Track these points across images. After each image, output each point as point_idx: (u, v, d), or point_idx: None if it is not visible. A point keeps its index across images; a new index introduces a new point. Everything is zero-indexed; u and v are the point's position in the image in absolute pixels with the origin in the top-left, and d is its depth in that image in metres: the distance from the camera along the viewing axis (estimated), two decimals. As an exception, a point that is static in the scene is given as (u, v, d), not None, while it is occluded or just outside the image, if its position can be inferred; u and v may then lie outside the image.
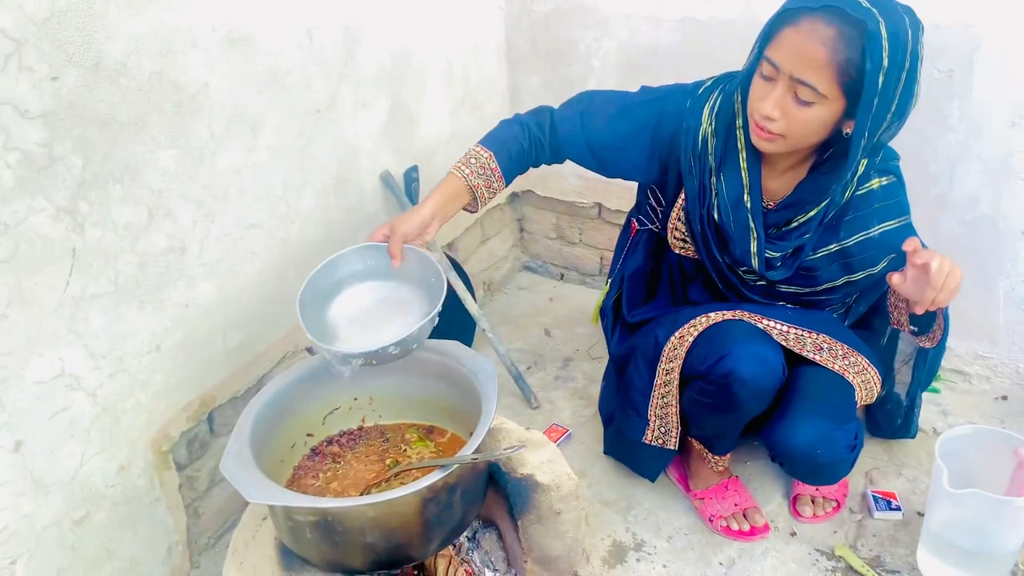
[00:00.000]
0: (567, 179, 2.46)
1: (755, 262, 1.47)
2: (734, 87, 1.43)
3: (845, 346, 1.50)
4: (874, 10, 1.19)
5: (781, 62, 1.25)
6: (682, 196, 1.55)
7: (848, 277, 1.48)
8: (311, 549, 1.19)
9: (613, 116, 1.55)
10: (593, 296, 2.49)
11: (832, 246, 1.45)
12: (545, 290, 2.67)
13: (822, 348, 1.49)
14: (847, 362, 1.50)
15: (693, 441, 1.69)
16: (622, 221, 2.43)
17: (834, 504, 1.67)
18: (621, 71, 2.21)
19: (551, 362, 2.29)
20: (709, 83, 1.50)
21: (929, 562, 1.49)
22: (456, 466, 1.14)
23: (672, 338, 1.53)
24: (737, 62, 2.03)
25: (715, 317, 1.49)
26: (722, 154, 1.45)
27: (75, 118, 1.24)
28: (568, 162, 2.42)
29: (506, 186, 1.59)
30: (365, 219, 1.94)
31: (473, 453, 1.16)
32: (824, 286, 1.50)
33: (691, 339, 1.50)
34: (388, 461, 1.37)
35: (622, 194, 2.38)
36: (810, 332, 1.49)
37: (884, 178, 1.43)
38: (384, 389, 1.46)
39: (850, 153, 1.28)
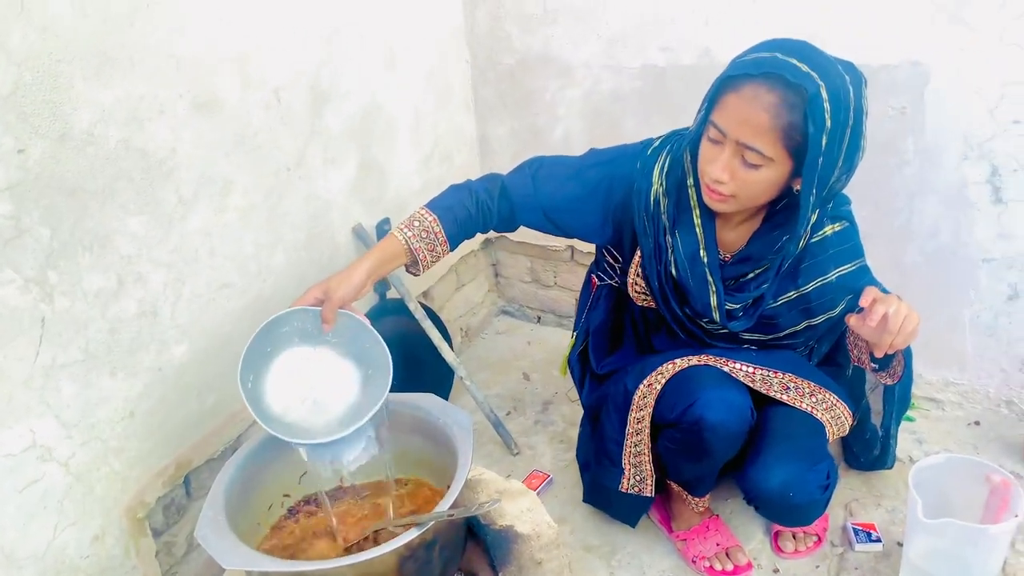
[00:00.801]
0: (539, 224, 2.49)
1: (716, 315, 1.48)
2: (683, 147, 1.44)
3: (811, 383, 1.52)
4: (813, 74, 1.20)
5: (727, 128, 1.26)
6: (639, 254, 1.55)
7: (809, 321, 1.49)
8: (290, 613, 1.18)
9: (565, 179, 1.54)
10: (569, 337, 2.50)
11: (791, 293, 1.46)
12: (523, 334, 2.68)
13: (789, 387, 1.51)
14: (815, 399, 1.52)
15: (672, 483, 1.69)
16: (593, 260, 2.48)
17: (815, 538, 1.68)
18: (586, 118, 2.26)
19: (530, 406, 2.29)
20: (657, 143, 1.51)
21: (912, 594, 1.50)
22: (432, 522, 1.14)
23: (641, 387, 1.54)
24: (688, 108, 2.09)
25: (681, 364, 1.51)
26: (675, 213, 1.45)
27: (42, 189, 1.25)
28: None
29: (451, 251, 1.54)
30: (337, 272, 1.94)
31: (449, 508, 1.15)
32: (786, 332, 1.52)
33: (659, 387, 1.51)
34: (366, 518, 1.36)
35: (593, 237, 2.41)
36: (776, 372, 1.51)
37: (837, 224, 1.45)
38: (360, 445, 1.45)
39: (800, 209, 1.30)
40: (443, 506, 1.16)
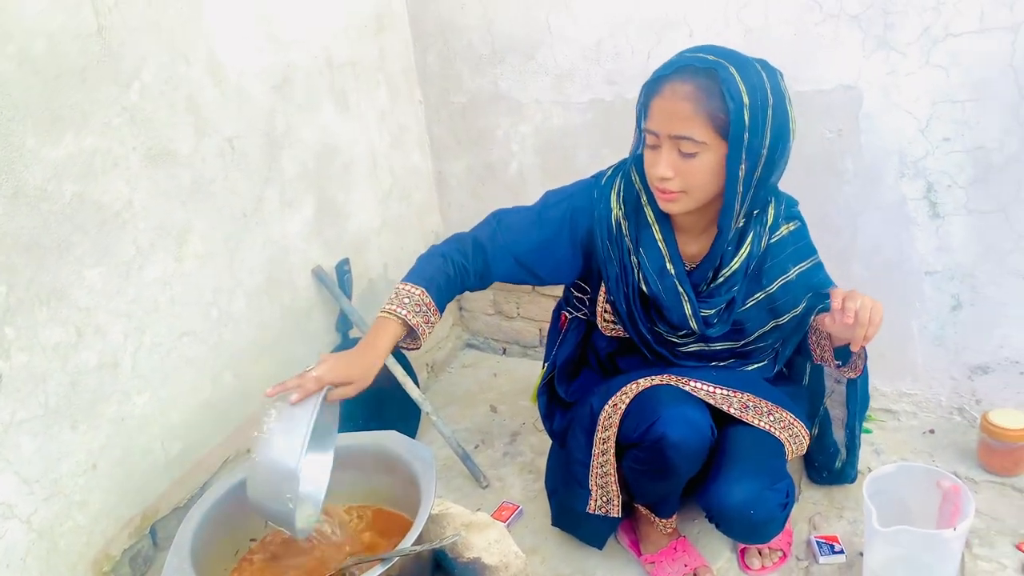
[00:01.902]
0: (499, 257, 2.53)
1: (693, 323, 1.52)
2: (633, 170, 1.54)
3: (769, 403, 1.57)
4: (721, 60, 1.32)
5: (658, 128, 1.35)
6: (603, 284, 1.61)
7: (776, 321, 1.56)
8: (258, 658, 1.18)
9: (529, 225, 1.57)
10: (536, 367, 2.52)
11: (758, 295, 1.53)
12: (489, 366, 2.70)
13: (748, 406, 1.55)
14: (773, 418, 1.56)
15: (639, 506, 1.72)
16: (556, 293, 2.50)
17: (780, 554, 1.71)
18: (539, 152, 2.31)
19: (498, 438, 2.31)
20: (609, 172, 1.59)
21: (875, 603, 1.53)
22: (397, 560, 1.15)
23: (606, 407, 1.57)
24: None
25: (644, 383, 1.54)
26: (636, 233, 1.52)
27: (-4, 247, 1.26)
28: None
29: (440, 319, 1.51)
30: (299, 315, 1.97)
31: (413, 544, 1.17)
32: (755, 335, 1.58)
33: (623, 407, 1.54)
34: (333, 557, 1.37)
35: (553, 267, 2.45)
36: (735, 391, 1.55)
37: (791, 223, 1.55)
38: (325, 485, 1.46)
39: (727, 180, 1.36)
40: (407, 542, 1.17)
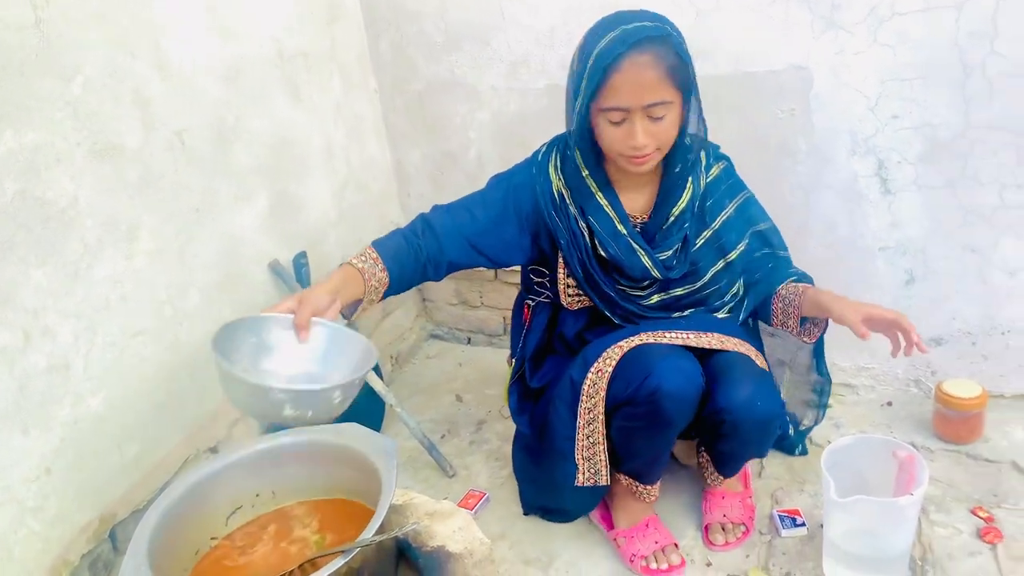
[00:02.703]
0: (460, 246, 2.52)
1: (655, 271, 1.60)
2: (570, 146, 1.58)
3: (736, 339, 1.62)
4: (659, 23, 1.43)
5: (629, 103, 1.41)
6: (560, 255, 1.64)
7: (725, 259, 1.65)
8: (221, 656, 1.16)
9: (475, 207, 1.64)
10: (501, 355, 2.52)
11: (706, 233, 1.64)
12: (454, 356, 2.70)
13: (723, 342, 1.61)
14: (743, 348, 1.61)
15: (621, 477, 1.71)
16: (517, 281, 2.50)
17: (743, 528, 1.73)
18: (497, 140, 2.30)
19: (464, 427, 2.30)
20: (544, 148, 1.68)
21: (834, 571, 1.56)
22: (358, 550, 1.14)
23: (589, 375, 1.57)
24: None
25: (626, 346, 1.56)
26: (580, 201, 1.60)
27: (-66, 249, 1.23)
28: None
29: (390, 280, 1.56)
30: (257, 310, 1.92)
31: (374, 535, 1.16)
32: (709, 275, 1.65)
33: (609, 371, 1.55)
34: (294, 551, 1.36)
35: (514, 254, 2.45)
36: (706, 333, 1.60)
37: (720, 163, 1.67)
38: (285, 480, 1.44)
39: (684, 133, 1.51)
40: (368, 532, 1.16)
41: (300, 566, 1.26)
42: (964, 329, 1.99)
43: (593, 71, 1.41)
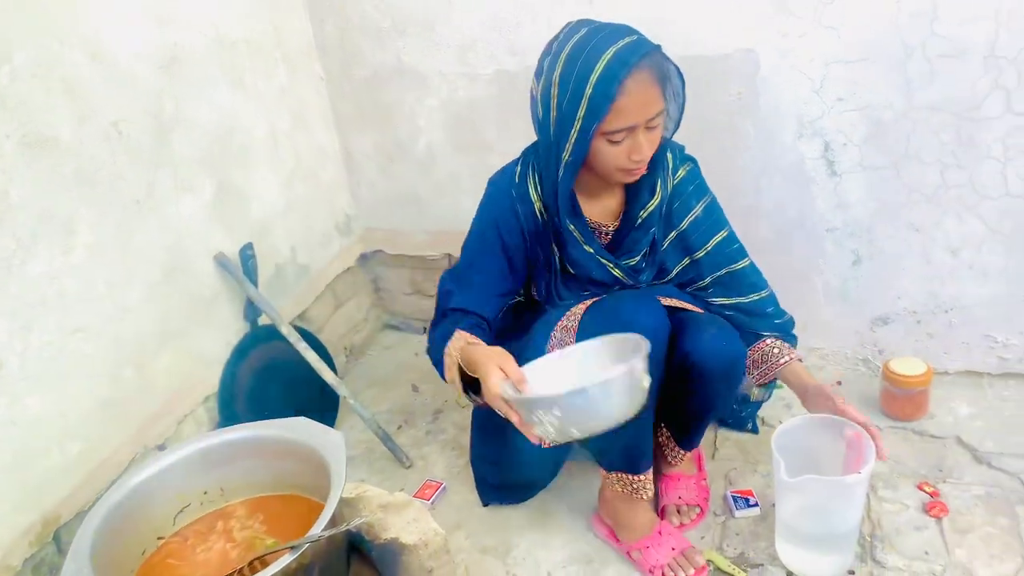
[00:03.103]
0: (414, 235, 2.49)
1: (626, 278, 1.62)
2: (547, 165, 1.52)
3: (694, 306, 1.64)
4: (644, 37, 1.41)
5: (635, 121, 1.40)
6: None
7: (690, 257, 1.66)
8: (168, 659, 1.14)
9: (481, 259, 1.64)
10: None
11: (672, 234, 1.64)
12: (410, 346, 2.67)
13: (683, 305, 1.62)
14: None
15: (613, 480, 1.65)
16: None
17: (698, 510, 1.75)
18: (448, 127, 2.27)
19: (421, 418, 2.29)
20: (519, 168, 1.61)
21: (786, 550, 1.58)
22: (307, 545, 1.12)
23: (553, 332, 1.56)
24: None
25: (588, 302, 1.56)
26: (556, 222, 1.57)
27: None
28: (411, 216, 2.48)
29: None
30: (203, 304, 1.90)
31: (324, 529, 1.14)
32: (675, 271, 1.67)
33: (575, 324, 1.54)
34: (243, 548, 1.33)
35: (467, 242, 2.43)
36: (666, 298, 1.60)
37: (686, 164, 1.64)
38: (233, 477, 1.41)
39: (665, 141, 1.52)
40: (317, 527, 1.14)
41: (249, 563, 1.24)
42: (910, 308, 2.03)
43: (598, 99, 1.37)
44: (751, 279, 1.69)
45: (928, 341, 2.05)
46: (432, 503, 1.92)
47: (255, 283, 2.00)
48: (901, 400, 1.94)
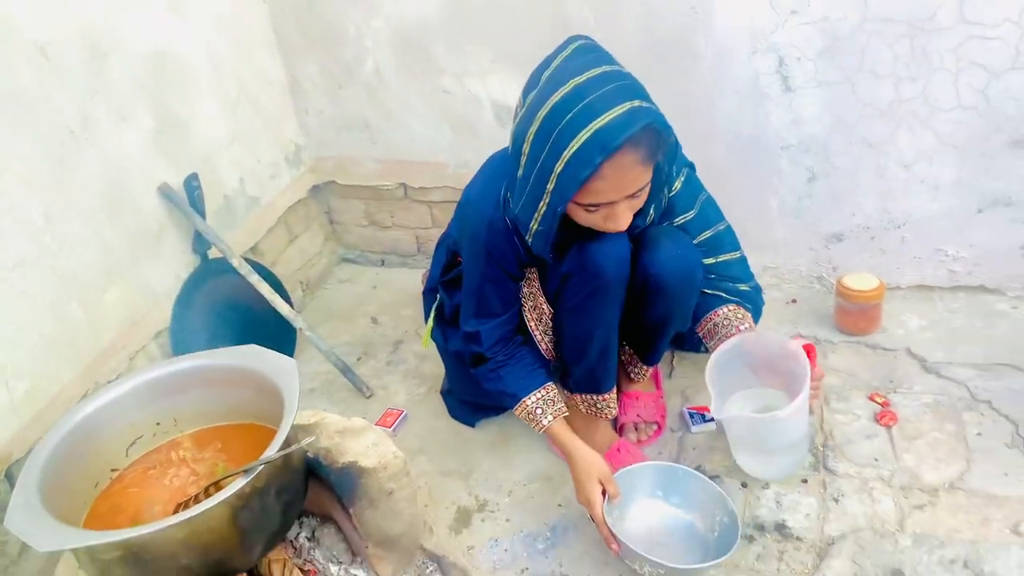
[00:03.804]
0: (365, 164, 2.44)
1: None
2: (525, 212, 1.39)
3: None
4: (637, 103, 1.24)
5: (612, 198, 1.30)
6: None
7: (669, 221, 1.58)
8: (126, 586, 1.13)
9: (495, 298, 1.57)
10: (416, 276, 2.49)
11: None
12: (367, 279, 2.64)
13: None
14: None
15: (578, 402, 1.70)
16: (428, 199, 2.46)
17: (655, 427, 1.78)
18: (396, 49, 2.20)
19: (381, 349, 2.27)
20: (503, 192, 1.46)
21: (740, 457, 1.62)
22: (261, 468, 1.12)
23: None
24: (499, 30, 2.06)
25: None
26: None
27: None
28: (362, 144, 2.41)
29: (554, 384, 1.64)
30: (148, 237, 1.84)
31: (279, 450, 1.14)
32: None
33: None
34: (198, 476, 1.32)
35: (422, 171, 2.38)
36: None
37: (682, 173, 1.57)
38: (186, 407, 1.40)
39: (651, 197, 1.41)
40: (271, 450, 1.14)
41: (205, 489, 1.23)
42: (864, 224, 2.05)
43: (566, 182, 1.26)
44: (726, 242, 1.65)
45: (881, 257, 2.08)
46: (394, 430, 1.92)
47: (202, 215, 1.94)
48: (854, 315, 1.97)
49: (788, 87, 1.91)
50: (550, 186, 1.28)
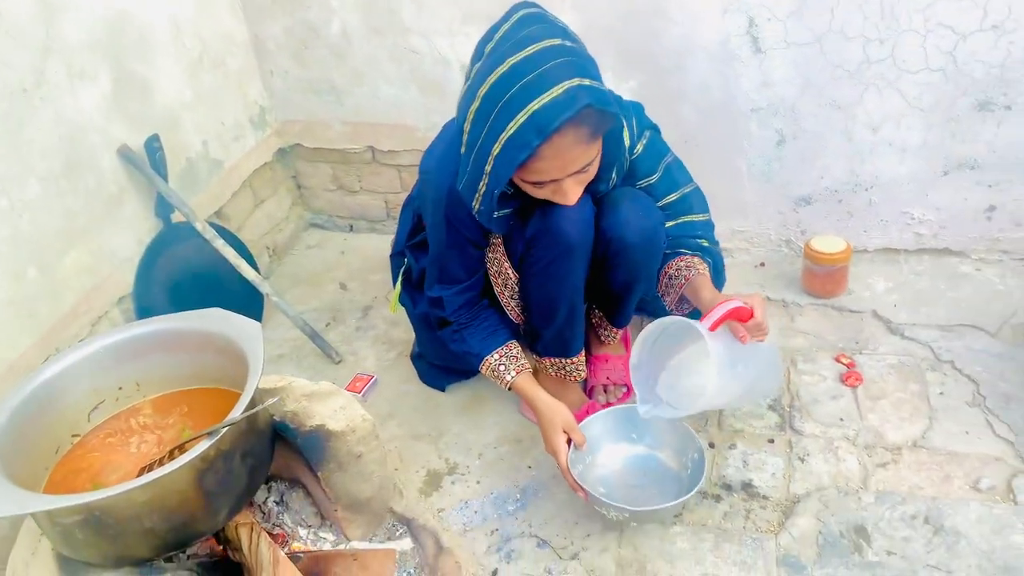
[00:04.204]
0: (332, 126, 2.39)
1: None
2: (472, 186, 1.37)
3: None
4: (585, 81, 1.21)
5: (554, 176, 1.28)
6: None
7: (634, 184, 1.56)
8: (89, 550, 1.12)
9: (459, 260, 1.56)
10: (385, 241, 2.45)
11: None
12: (335, 244, 2.61)
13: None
14: None
15: (547, 366, 1.71)
16: (397, 162, 2.42)
17: (624, 389, 1.79)
18: (361, 8, 2.15)
19: (350, 314, 2.26)
20: (448, 153, 1.43)
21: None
22: (226, 430, 1.10)
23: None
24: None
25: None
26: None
27: None
28: (329, 106, 2.37)
29: (519, 340, 1.66)
30: (109, 200, 1.80)
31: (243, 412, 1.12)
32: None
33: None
34: (163, 441, 1.31)
35: (391, 133, 2.35)
36: None
37: (645, 135, 1.54)
38: (149, 372, 1.37)
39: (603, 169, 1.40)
40: (235, 412, 1.12)
41: (169, 452, 1.21)
42: (831, 187, 2.06)
43: (503, 164, 1.24)
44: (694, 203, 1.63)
45: (849, 220, 2.09)
46: (363, 396, 1.91)
47: (165, 177, 1.90)
48: (821, 277, 1.99)
49: (758, 48, 1.90)
50: (488, 167, 1.28)
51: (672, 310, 1.63)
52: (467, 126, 1.30)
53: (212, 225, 1.99)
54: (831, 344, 1.88)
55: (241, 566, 1.29)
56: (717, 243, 1.67)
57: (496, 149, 1.24)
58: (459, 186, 1.39)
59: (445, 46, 2.13)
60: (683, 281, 1.55)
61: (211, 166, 2.15)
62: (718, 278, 1.64)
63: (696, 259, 1.58)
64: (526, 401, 1.59)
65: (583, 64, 1.24)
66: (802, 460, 1.60)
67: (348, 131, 2.39)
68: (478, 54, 1.32)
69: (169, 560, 1.23)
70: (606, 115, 1.25)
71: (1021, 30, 1.72)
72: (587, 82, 1.21)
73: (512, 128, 1.21)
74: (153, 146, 1.87)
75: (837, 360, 1.82)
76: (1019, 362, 1.74)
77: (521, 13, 1.30)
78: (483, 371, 1.62)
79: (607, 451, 1.59)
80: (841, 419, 1.68)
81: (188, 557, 1.27)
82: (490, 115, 1.23)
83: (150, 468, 1.17)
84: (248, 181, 2.31)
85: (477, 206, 1.37)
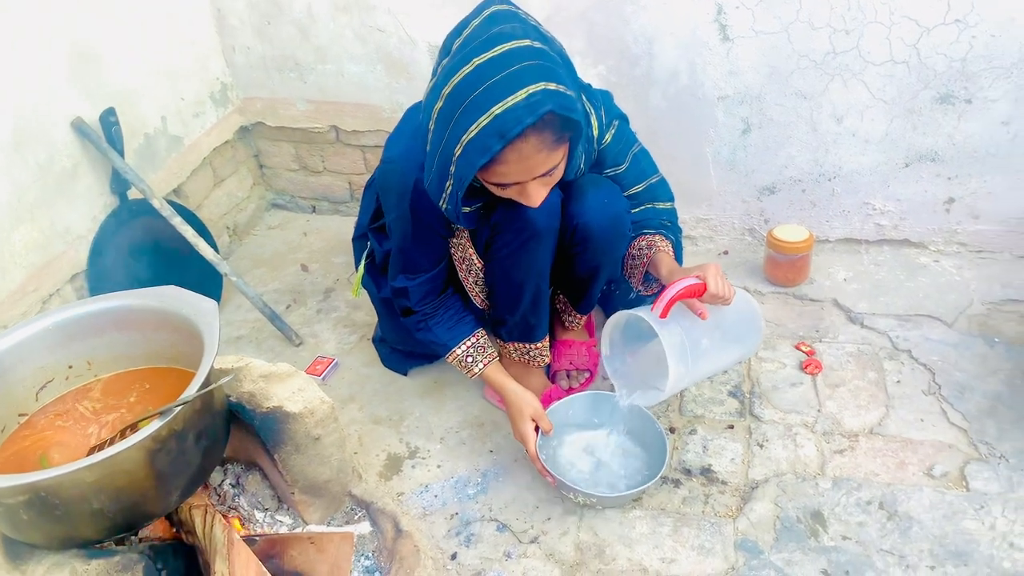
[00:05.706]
0: (295, 104, 2.35)
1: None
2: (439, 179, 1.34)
3: None
4: (550, 85, 1.19)
5: (517, 179, 1.26)
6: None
7: (600, 171, 1.56)
8: (33, 532, 1.08)
9: (423, 253, 1.54)
10: (348, 223, 2.42)
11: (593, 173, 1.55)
12: (298, 226, 2.57)
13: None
14: None
15: (511, 351, 1.70)
16: (361, 143, 2.39)
17: (587, 374, 1.79)
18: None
19: (311, 296, 2.22)
20: (425, 164, 1.38)
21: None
22: (179, 410, 1.08)
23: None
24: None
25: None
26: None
27: None
28: (292, 84, 2.32)
29: (478, 328, 1.64)
30: (62, 175, 1.75)
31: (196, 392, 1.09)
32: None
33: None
34: (114, 420, 1.27)
35: (355, 113, 2.31)
36: None
37: (613, 124, 1.52)
38: (101, 350, 1.33)
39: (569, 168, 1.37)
40: (188, 392, 1.09)
41: (121, 432, 1.18)
42: (795, 177, 2.07)
43: (464, 167, 1.22)
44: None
45: (811, 210, 2.11)
46: (324, 378, 1.89)
47: (121, 153, 1.85)
48: (783, 266, 2.00)
49: (726, 36, 1.90)
50: (452, 168, 1.26)
51: (640, 291, 1.64)
52: (432, 125, 1.29)
53: (170, 203, 1.94)
54: (792, 332, 1.90)
55: (195, 549, 1.26)
56: (680, 230, 1.67)
57: (458, 151, 1.22)
58: (425, 184, 1.37)
59: (412, 25, 2.10)
60: (645, 260, 1.57)
61: (170, 142, 2.09)
62: (679, 253, 1.65)
63: (658, 237, 1.59)
64: (495, 390, 1.60)
65: (550, 67, 1.22)
66: (761, 446, 1.61)
67: (312, 110, 2.35)
68: (445, 50, 1.30)
69: (120, 543, 1.20)
70: (570, 121, 1.23)
71: (983, 24, 1.74)
72: (552, 86, 1.19)
73: (473, 131, 1.19)
74: (109, 120, 1.82)
75: (797, 348, 1.84)
76: (974, 352, 1.77)
77: (491, 9, 1.27)
78: (449, 361, 1.62)
79: (573, 436, 1.62)
80: (800, 406, 1.69)
81: (139, 540, 1.24)
82: (453, 116, 1.21)
83: (100, 448, 1.14)
84: (208, 159, 2.26)
85: (444, 205, 1.35)
